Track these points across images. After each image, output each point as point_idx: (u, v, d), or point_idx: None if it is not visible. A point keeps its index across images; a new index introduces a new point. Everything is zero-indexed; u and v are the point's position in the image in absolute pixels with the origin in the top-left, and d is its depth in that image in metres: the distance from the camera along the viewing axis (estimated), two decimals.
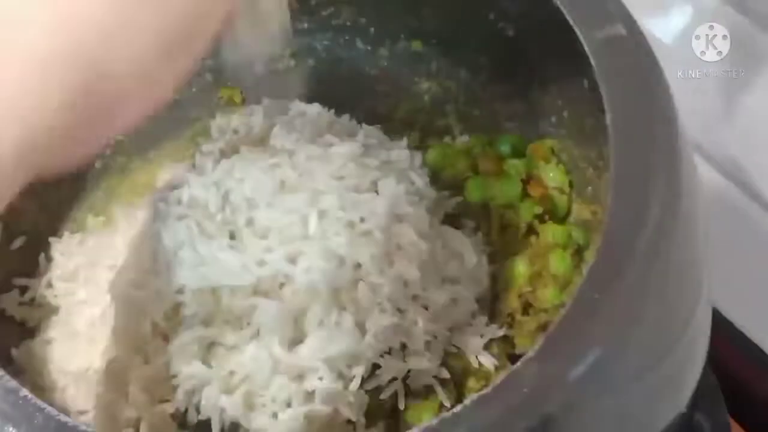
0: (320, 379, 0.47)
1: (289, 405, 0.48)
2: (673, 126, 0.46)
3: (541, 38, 0.53)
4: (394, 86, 0.65)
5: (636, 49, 0.48)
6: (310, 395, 0.48)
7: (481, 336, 0.53)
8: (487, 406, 0.37)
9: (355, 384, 0.48)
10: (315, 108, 0.60)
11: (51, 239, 0.59)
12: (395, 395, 0.50)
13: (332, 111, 0.60)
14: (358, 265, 0.49)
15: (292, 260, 0.49)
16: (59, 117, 0.31)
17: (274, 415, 0.48)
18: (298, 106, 0.60)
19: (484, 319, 0.54)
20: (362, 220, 0.50)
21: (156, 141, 0.64)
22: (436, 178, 0.58)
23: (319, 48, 0.66)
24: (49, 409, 0.38)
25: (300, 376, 0.48)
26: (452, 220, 0.58)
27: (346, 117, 0.61)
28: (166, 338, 0.51)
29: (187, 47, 0.35)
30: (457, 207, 0.58)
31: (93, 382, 0.51)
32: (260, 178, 0.52)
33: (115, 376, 0.51)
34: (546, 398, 0.38)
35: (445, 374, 0.51)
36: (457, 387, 0.52)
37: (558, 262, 0.55)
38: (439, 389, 0.51)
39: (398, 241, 0.51)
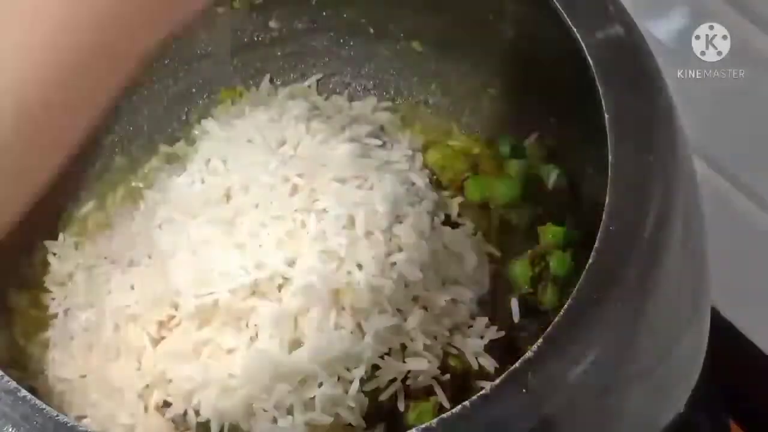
0: (320, 385, 0.47)
1: (290, 413, 0.47)
2: (672, 126, 0.47)
3: (541, 39, 0.53)
4: (394, 86, 0.65)
5: (635, 50, 0.48)
6: (310, 403, 0.47)
7: (482, 337, 0.53)
8: (487, 407, 0.37)
9: (354, 388, 0.48)
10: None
11: (47, 242, 0.59)
12: (395, 396, 0.50)
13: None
14: (359, 266, 0.49)
15: (291, 261, 0.49)
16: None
17: (275, 420, 0.48)
18: (297, 102, 0.60)
19: (484, 320, 0.54)
20: (362, 221, 0.50)
21: (152, 143, 0.64)
22: (436, 179, 0.58)
23: (319, 48, 0.66)
24: (47, 409, 0.38)
25: (300, 383, 0.47)
26: (452, 220, 0.58)
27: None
28: (164, 342, 0.51)
29: None
30: (457, 207, 0.58)
31: (89, 389, 0.51)
32: (258, 179, 0.52)
33: (111, 382, 0.51)
34: (546, 399, 0.38)
35: (445, 375, 0.51)
36: (456, 388, 0.51)
37: (558, 263, 0.55)
38: (438, 390, 0.51)
39: (399, 242, 0.51)
